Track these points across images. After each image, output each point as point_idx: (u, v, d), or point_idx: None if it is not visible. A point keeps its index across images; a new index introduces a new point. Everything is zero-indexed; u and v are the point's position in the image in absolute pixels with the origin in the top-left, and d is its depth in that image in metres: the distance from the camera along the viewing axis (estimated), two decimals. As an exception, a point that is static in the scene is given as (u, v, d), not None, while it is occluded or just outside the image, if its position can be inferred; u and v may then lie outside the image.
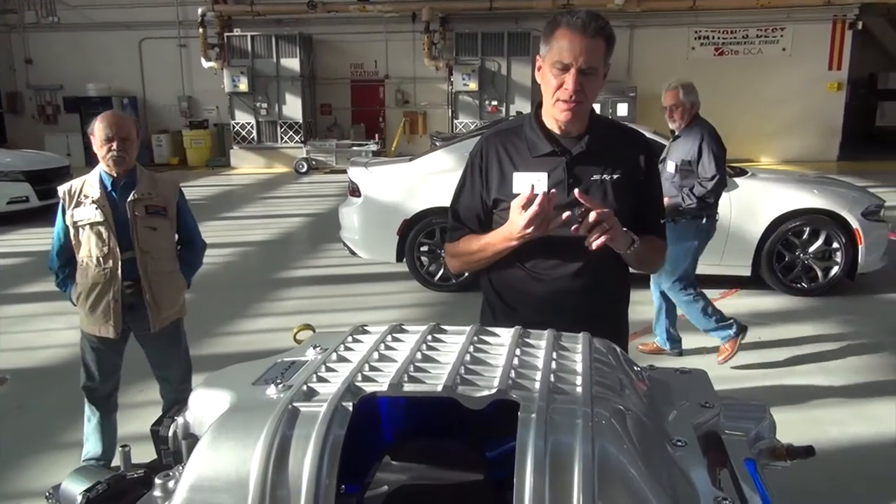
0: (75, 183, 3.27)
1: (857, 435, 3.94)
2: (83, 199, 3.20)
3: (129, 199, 3.21)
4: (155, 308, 3.30)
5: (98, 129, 3.15)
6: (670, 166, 4.75)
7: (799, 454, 1.37)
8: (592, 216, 1.85)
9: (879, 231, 6.40)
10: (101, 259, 3.20)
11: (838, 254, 6.36)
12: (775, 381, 4.68)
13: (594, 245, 1.88)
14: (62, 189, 3.27)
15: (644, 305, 5.89)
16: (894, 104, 20.24)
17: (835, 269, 6.40)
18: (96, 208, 3.17)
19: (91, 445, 3.49)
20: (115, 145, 3.13)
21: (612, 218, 1.89)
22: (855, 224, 6.28)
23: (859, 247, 6.27)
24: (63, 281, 3.39)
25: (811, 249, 6.42)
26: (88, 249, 3.20)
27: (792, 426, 3.39)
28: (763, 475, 1.24)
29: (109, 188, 3.23)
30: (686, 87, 4.79)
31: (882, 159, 16.85)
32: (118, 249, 3.19)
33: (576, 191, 1.90)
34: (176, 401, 2.49)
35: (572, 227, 1.89)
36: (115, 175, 3.22)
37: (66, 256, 3.32)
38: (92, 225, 3.18)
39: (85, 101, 17.51)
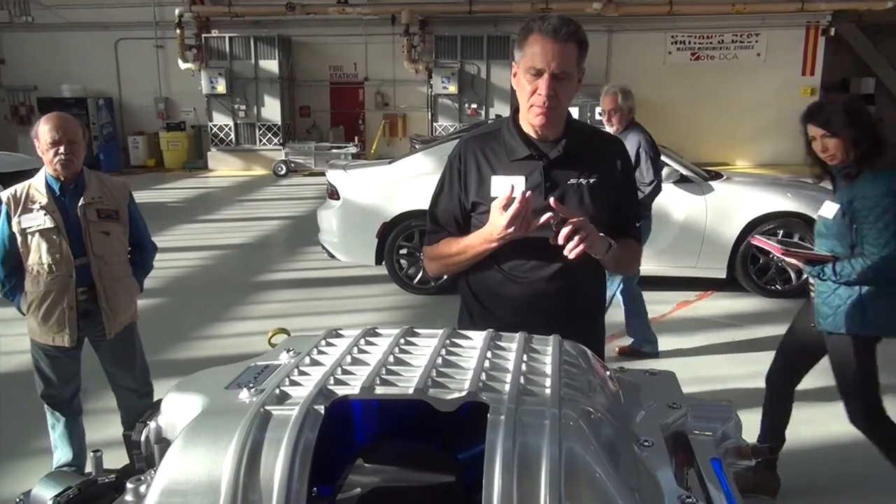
0: (19, 188, 3.15)
1: (828, 434, 4.01)
2: (30, 204, 3.09)
3: (80, 204, 3.11)
4: (111, 314, 3.22)
5: (43, 133, 3.04)
6: None
7: (763, 453, 1.40)
8: (567, 227, 1.87)
9: (851, 234, 6.51)
10: (53, 266, 3.09)
11: (811, 256, 6.45)
12: (749, 382, 4.72)
13: (572, 255, 1.90)
14: (5, 194, 3.15)
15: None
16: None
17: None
18: (45, 214, 3.06)
19: (61, 452, 3.41)
20: (62, 149, 3.03)
21: (588, 225, 1.91)
22: (827, 227, 6.37)
23: (831, 249, 6.37)
24: (10, 290, 3.25)
25: (785, 252, 6.51)
26: (39, 256, 3.09)
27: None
28: (728, 474, 1.26)
29: (58, 193, 3.13)
30: (624, 92, 4.88)
31: (854, 163, 17.11)
32: (71, 256, 3.10)
33: (551, 199, 1.91)
34: (148, 406, 2.41)
35: (549, 238, 1.91)
36: (62, 179, 3.12)
37: (11, 264, 3.19)
38: (42, 232, 3.07)
39: (60, 101, 17.24)
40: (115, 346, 3.34)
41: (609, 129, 4.97)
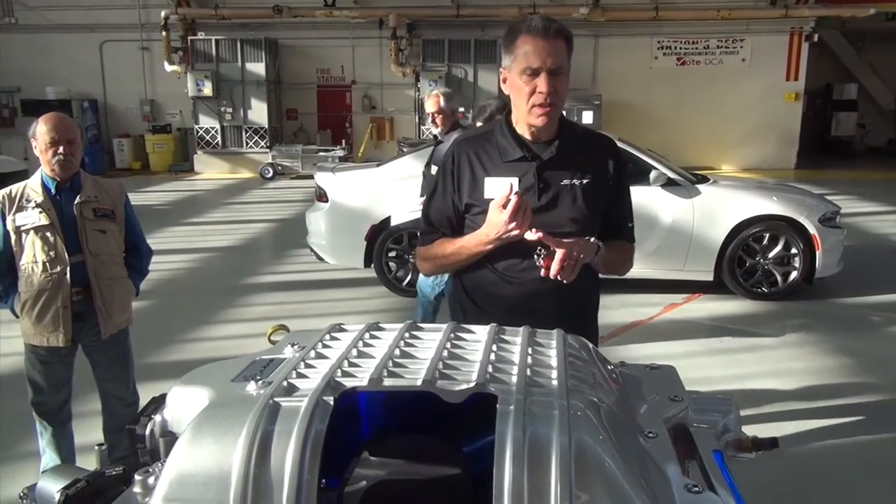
0: (15, 188, 3.14)
1: (815, 434, 4.06)
2: (25, 203, 3.08)
3: (76, 202, 3.11)
4: (105, 314, 3.19)
5: (41, 133, 3.04)
6: (434, 170, 4.71)
7: (764, 446, 1.42)
8: (557, 263, 1.90)
9: (836, 237, 6.59)
10: (47, 264, 3.06)
11: (797, 259, 6.52)
12: (737, 383, 4.79)
13: (567, 281, 1.93)
14: (1, 193, 3.14)
15: (612, 310, 5.99)
16: (849, 114, 20.80)
17: (794, 274, 6.56)
18: (40, 212, 3.05)
19: (48, 458, 3.37)
20: (61, 149, 3.03)
21: (572, 252, 1.93)
22: (812, 230, 6.45)
23: (817, 252, 6.45)
24: (3, 291, 3.20)
25: (771, 255, 6.57)
26: (33, 255, 3.07)
27: (753, 426, 3.49)
28: (730, 466, 1.28)
29: (53, 192, 3.12)
30: (446, 95, 5.12)
31: (837, 168, 17.35)
32: (66, 253, 3.08)
33: (539, 234, 1.92)
34: (134, 413, 2.33)
35: (541, 273, 1.94)
36: (59, 179, 3.11)
37: (4, 265, 3.15)
38: (37, 229, 3.05)
39: (44, 103, 17.01)
40: (109, 351, 3.31)
41: (434, 130, 5.16)
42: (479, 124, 3.60)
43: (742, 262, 6.60)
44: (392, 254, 6.81)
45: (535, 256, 1.93)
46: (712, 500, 1.08)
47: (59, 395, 3.31)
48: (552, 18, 2.04)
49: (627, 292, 6.31)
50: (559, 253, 1.89)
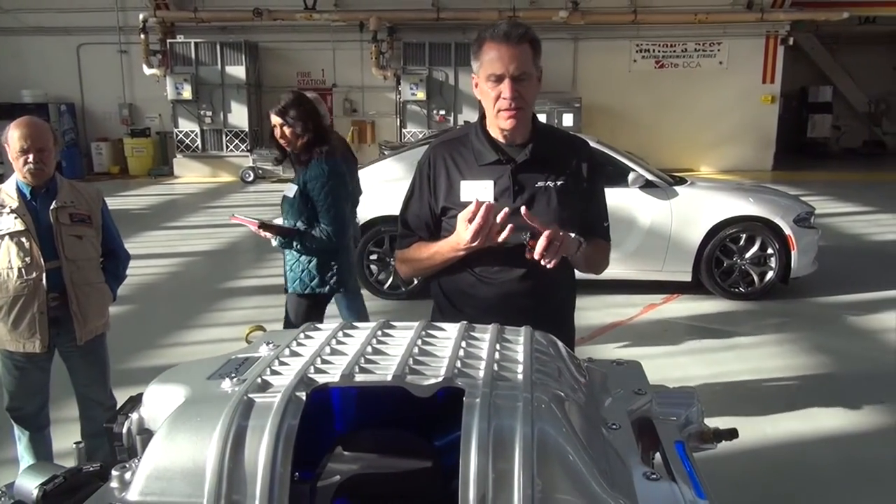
0: None
1: (790, 432, 4.13)
2: (0, 209, 3.04)
3: (51, 207, 3.08)
4: (81, 319, 3.17)
5: (12, 139, 2.99)
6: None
7: (724, 436, 1.47)
8: (543, 242, 1.91)
9: (811, 237, 6.71)
10: (22, 270, 3.03)
11: (773, 259, 6.62)
12: (714, 382, 4.86)
13: (550, 266, 1.95)
14: None
15: (592, 311, 6.06)
16: (824, 116, 21.10)
17: (770, 274, 6.66)
18: (15, 218, 3.01)
19: (26, 463, 3.32)
20: (31, 157, 2.98)
21: (558, 234, 1.95)
22: (788, 231, 6.55)
23: (792, 252, 6.55)
24: None
25: (748, 255, 6.67)
26: (8, 261, 3.03)
27: (728, 425, 3.55)
28: (692, 457, 1.32)
29: (29, 197, 3.09)
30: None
31: (813, 169, 17.60)
32: (42, 259, 3.05)
33: (522, 208, 1.94)
34: (122, 405, 2.34)
35: (526, 255, 1.96)
36: (33, 185, 3.08)
37: None
38: (11, 235, 3.01)
39: (20, 107, 16.87)
40: (86, 356, 3.29)
41: None
42: (273, 116, 3.65)
43: (719, 262, 6.69)
44: (373, 256, 6.83)
45: (522, 237, 1.95)
46: (668, 486, 1.13)
47: (35, 401, 3.29)
48: (518, 23, 2.08)
49: (607, 293, 6.39)
50: (546, 232, 1.91)
